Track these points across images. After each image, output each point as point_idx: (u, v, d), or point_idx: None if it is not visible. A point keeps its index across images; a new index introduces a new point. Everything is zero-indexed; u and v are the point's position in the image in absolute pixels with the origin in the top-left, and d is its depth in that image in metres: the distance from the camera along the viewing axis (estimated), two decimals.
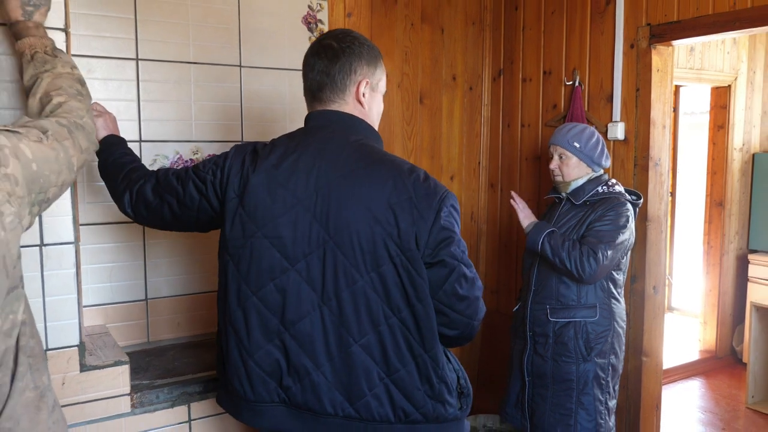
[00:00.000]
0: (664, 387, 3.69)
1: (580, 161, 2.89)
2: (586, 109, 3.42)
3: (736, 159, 5.44)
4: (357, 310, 1.63)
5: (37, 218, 1.82)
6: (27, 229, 1.34)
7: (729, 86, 5.33)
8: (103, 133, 2.02)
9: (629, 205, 2.82)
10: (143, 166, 1.96)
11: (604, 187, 2.87)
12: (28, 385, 1.32)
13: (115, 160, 1.95)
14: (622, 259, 2.84)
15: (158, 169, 1.90)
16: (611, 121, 3.29)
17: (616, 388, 2.91)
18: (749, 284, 5.32)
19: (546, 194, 3.21)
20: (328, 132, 1.74)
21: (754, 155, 5.53)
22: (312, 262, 1.64)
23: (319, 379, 1.66)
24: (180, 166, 2.53)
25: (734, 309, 5.58)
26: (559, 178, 2.95)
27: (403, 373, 1.65)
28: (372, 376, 1.65)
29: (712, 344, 5.57)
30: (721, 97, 5.40)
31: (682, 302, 6.85)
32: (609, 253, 2.69)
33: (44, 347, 1.86)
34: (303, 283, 1.65)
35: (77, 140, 1.50)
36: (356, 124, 1.77)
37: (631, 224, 2.80)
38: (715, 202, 5.49)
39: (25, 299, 1.33)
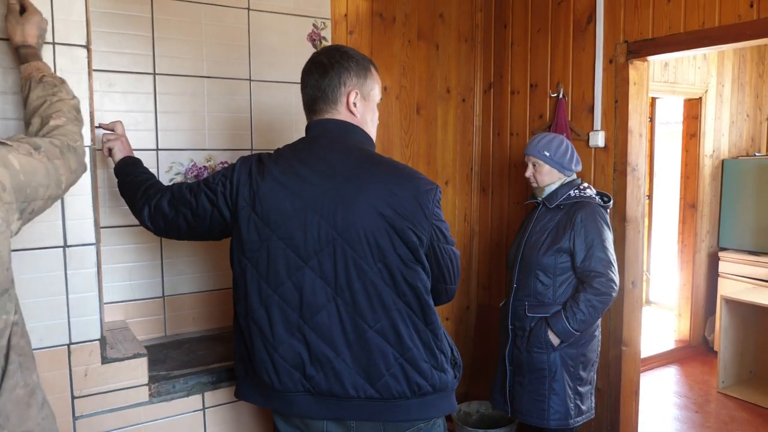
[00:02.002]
0: (642, 374, 3.67)
1: (551, 168, 2.87)
2: (569, 119, 3.39)
3: (707, 165, 5.42)
4: (369, 299, 1.64)
5: (60, 221, 1.80)
6: (15, 234, 1.28)
7: (700, 98, 5.32)
8: (120, 155, 2.02)
9: (599, 209, 2.82)
10: (159, 182, 1.93)
11: (576, 191, 2.86)
12: (18, 383, 1.27)
13: (133, 179, 1.93)
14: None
15: (173, 184, 1.87)
16: (592, 130, 3.27)
17: (591, 375, 2.89)
18: (719, 279, 5.34)
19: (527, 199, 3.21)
20: (328, 139, 1.75)
21: (723, 161, 5.52)
22: (323, 259, 1.64)
23: (340, 365, 1.65)
24: (194, 173, 2.51)
25: (706, 302, 5.56)
26: (534, 184, 2.95)
27: (414, 351, 1.67)
28: (388, 358, 1.65)
29: (686, 334, 5.55)
30: (693, 108, 5.39)
31: (659, 296, 6.81)
32: (610, 258, 2.75)
33: (68, 339, 1.84)
34: (317, 278, 1.64)
35: (68, 161, 1.45)
36: (352, 130, 1.77)
37: (607, 222, 2.82)
38: (688, 204, 5.47)
39: (17, 300, 1.28)
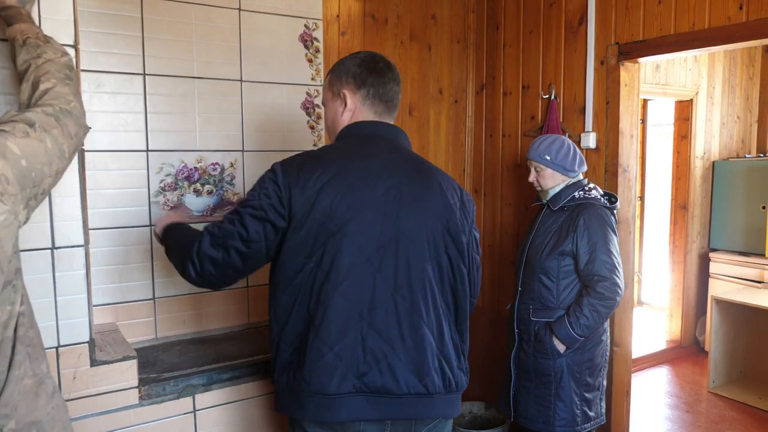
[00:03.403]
0: (634, 374, 3.66)
1: (554, 171, 2.80)
2: (561, 120, 3.39)
3: (697, 166, 5.44)
4: (424, 295, 1.69)
5: (48, 222, 1.78)
6: (24, 223, 1.26)
7: (691, 100, 5.33)
8: (164, 222, 1.96)
9: (604, 210, 2.73)
10: (193, 231, 1.82)
11: (580, 192, 2.78)
12: (26, 373, 1.27)
13: (175, 241, 1.85)
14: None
15: (205, 227, 1.72)
16: (584, 131, 3.26)
17: (599, 381, 2.81)
18: (710, 280, 5.36)
19: (527, 200, 3.19)
20: (385, 141, 1.79)
21: (713, 162, 5.53)
22: (385, 257, 1.66)
23: (394, 361, 1.65)
24: (185, 175, 2.49)
25: (697, 302, 5.57)
26: (538, 188, 2.88)
27: (449, 348, 1.74)
28: (434, 353, 1.69)
29: (678, 334, 5.56)
30: (684, 110, 5.40)
31: (651, 297, 6.82)
32: (615, 262, 2.68)
33: (57, 342, 1.81)
34: (378, 275, 1.65)
35: (66, 127, 1.39)
36: (403, 136, 1.85)
37: (611, 225, 2.73)
38: (680, 205, 5.48)
39: (24, 292, 1.27)
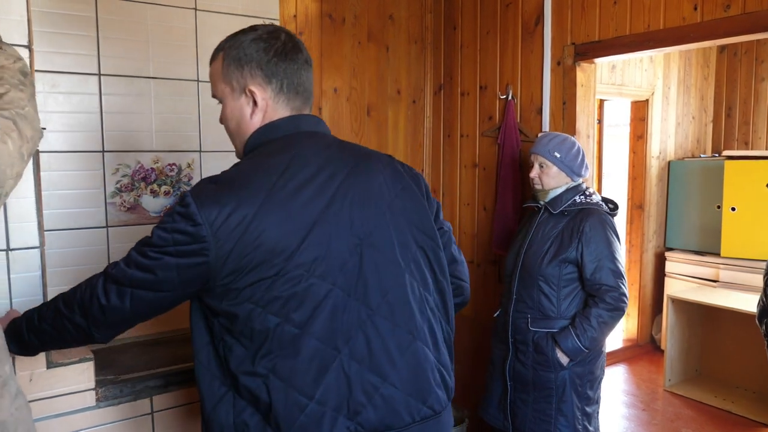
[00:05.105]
0: None
1: (560, 171, 2.74)
2: (518, 120, 3.47)
3: (653, 166, 5.60)
4: (408, 305, 1.44)
5: (2, 224, 1.81)
6: None
7: (647, 100, 5.49)
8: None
9: (607, 217, 2.70)
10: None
11: (581, 197, 2.73)
12: None
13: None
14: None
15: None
16: (541, 131, 3.35)
17: (598, 394, 2.77)
18: (666, 279, 5.49)
19: (485, 200, 3.18)
20: (311, 138, 1.49)
21: (669, 162, 5.70)
22: (351, 277, 1.38)
23: (388, 391, 1.40)
24: (141, 176, 2.54)
25: (653, 301, 5.73)
26: (538, 186, 2.80)
27: (444, 353, 1.53)
28: (433, 366, 1.48)
29: (634, 333, 5.71)
30: (640, 110, 5.56)
31: None
32: (621, 270, 2.65)
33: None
34: (347, 297, 1.37)
35: (22, 130, 1.43)
36: (323, 124, 1.58)
37: (615, 231, 2.71)
38: (636, 205, 5.64)
39: None
